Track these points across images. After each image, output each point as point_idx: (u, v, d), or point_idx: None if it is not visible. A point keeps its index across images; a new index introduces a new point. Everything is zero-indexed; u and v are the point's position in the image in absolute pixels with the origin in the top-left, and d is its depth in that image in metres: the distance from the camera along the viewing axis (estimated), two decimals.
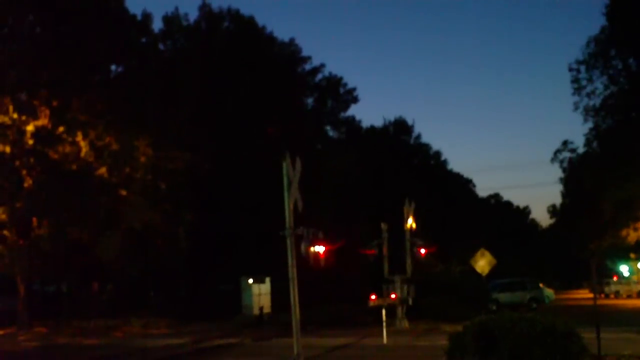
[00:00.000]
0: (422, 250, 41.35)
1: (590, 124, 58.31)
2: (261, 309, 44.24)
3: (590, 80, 56.69)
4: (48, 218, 39.18)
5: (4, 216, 38.27)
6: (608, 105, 56.49)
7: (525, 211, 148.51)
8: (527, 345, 16.67)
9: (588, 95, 56.89)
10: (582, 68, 56.79)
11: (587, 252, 66.56)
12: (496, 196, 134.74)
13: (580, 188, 63.02)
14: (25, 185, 38.32)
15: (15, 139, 37.69)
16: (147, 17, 45.56)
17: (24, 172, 38.40)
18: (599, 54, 56.08)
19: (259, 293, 45.02)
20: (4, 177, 38.20)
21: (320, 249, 21.49)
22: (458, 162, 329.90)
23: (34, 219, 39.28)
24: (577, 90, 57.16)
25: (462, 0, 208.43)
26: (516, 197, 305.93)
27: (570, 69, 57.39)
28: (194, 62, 50.16)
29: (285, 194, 19.38)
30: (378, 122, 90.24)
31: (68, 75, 38.44)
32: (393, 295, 36.40)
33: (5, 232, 39.10)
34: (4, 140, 37.51)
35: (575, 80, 57.14)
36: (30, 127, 37.60)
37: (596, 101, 56.90)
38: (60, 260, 42.55)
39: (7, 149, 37.68)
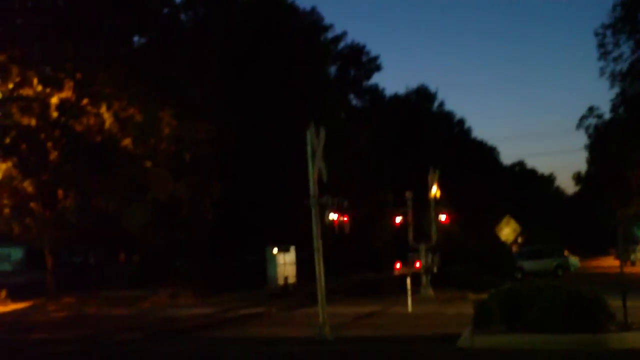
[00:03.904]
0: (445, 217, 41.24)
1: (616, 90, 57.61)
2: (286, 279, 44.32)
3: (616, 44, 55.92)
4: (74, 190, 39.46)
5: (30, 188, 38.53)
6: (635, 70, 55.68)
7: (550, 178, 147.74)
8: (554, 313, 16.64)
9: (614, 60, 56.14)
10: (609, 32, 56.00)
11: (613, 219, 66.05)
12: (520, 164, 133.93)
13: (606, 155, 62.26)
14: (51, 157, 38.49)
15: (40, 111, 37.88)
16: None
17: (49, 144, 38.57)
18: (626, 18, 55.19)
19: (284, 263, 45.05)
20: (30, 150, 38.44)
21: (345, 217, 21.52)
22: (482, 129, 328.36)
23: (60, 191, 39.55)
24: (603, 55, 56.43)
25: None
26: (541, 165, 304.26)
27: (597, 34, 56.65)
28: (215, 32, 49.98)
29: (310, 163, 19.37)
30: (401, 90, 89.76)
31: (92, 47, 38.44)
32: (418, 264, 36.39)
33: (32, 205, 39.35)
34: (29, 113, 37.69)
35: (601, 45, 56.39)
36: (54, 100, 37.70)
37: (623, 66, 56.17)
38: (86, 232, 42.86)
39: (33, 122, 37.87)
